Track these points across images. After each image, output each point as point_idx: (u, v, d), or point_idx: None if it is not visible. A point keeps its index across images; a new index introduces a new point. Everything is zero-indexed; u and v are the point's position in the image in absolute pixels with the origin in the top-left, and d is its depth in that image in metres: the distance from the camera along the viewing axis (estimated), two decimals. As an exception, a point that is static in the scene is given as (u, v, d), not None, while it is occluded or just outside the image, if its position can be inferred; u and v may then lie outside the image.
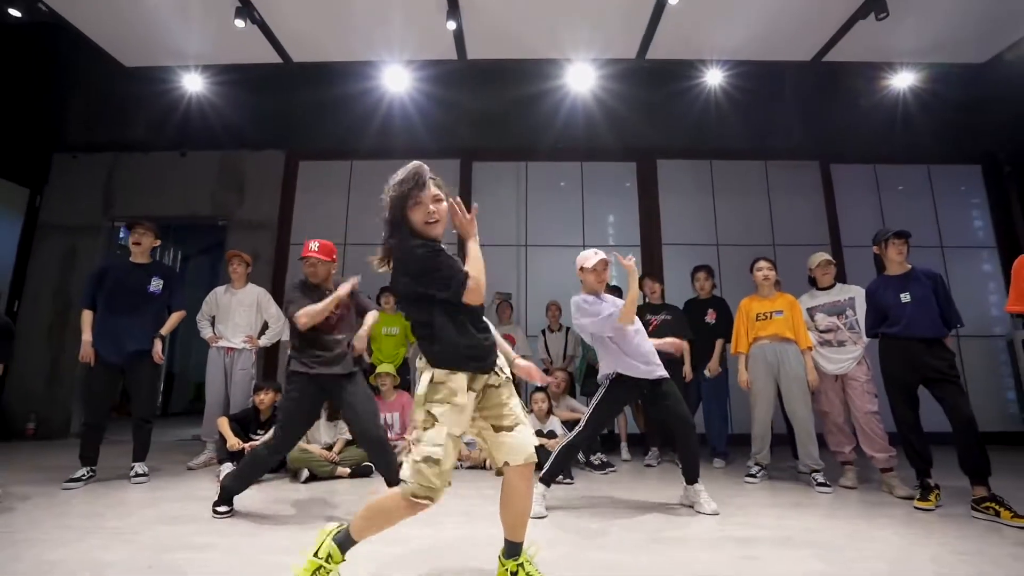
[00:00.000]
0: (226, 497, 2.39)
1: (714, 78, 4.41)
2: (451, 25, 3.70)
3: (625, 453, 4.13)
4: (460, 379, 1.43)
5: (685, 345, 3.66)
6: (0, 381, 2.57)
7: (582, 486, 3.11)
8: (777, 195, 5.53)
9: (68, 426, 4.99)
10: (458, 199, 1.53)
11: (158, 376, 3.34)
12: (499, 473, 1.53)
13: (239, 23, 3.58)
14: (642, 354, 2.58)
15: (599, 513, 2.52)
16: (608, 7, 3.71)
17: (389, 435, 3.75)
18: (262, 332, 3.95)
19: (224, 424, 3.33)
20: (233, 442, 3.21)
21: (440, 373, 1.43)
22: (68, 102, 5.17)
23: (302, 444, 3.33)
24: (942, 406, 2.60)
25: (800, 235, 5.31)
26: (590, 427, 2.62)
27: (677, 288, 4.57)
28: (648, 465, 3.80)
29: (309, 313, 2.44)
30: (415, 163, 1.53)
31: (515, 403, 1.52)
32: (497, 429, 1.49)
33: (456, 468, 3.64)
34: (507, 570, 1.53)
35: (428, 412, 1.42)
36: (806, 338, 3.21)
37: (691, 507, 2.56)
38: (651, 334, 2.96)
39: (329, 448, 3.39)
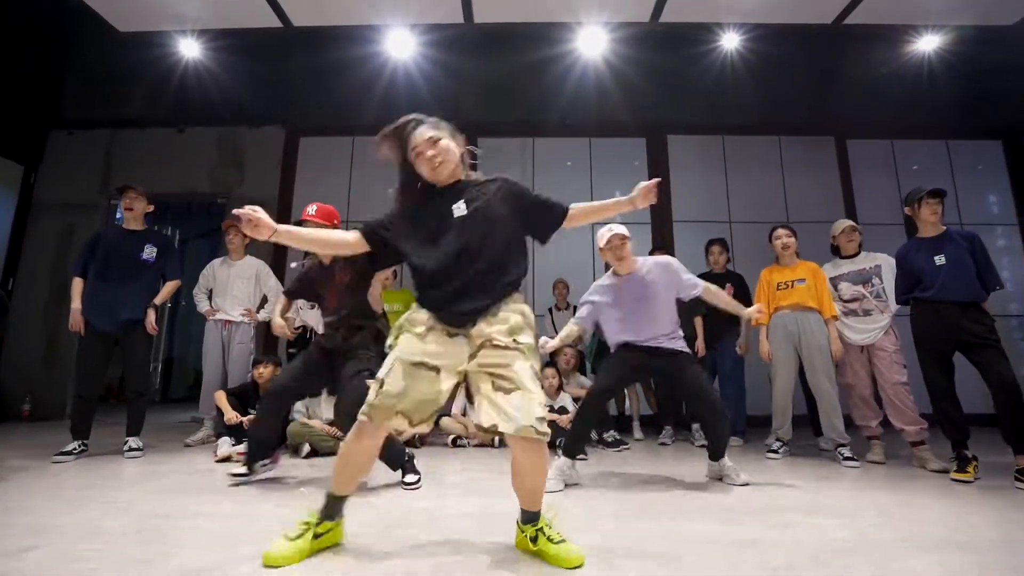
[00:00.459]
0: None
1: (730, 42, 4.23)
2: (457, -15, 3.54)
3: (638, 432, 4.00)
4: (423, 314, 1.47)
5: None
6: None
7: (595, 462, 2.99)
8: (791, 171, 5.37)
9: (64, 407, 4.87)
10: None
11: (151, 347, 3.20)
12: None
13: (236, -19, 3.43)
14: (638, 324, 2.45)
15: (621, 486, 2.38)
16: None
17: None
18: (261, 306, 3.81)
19: (222, 397, 3.20)
20: (231, 415, 3.08)
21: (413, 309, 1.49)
22: (63, 75, 5.03)
23: (303, 418, 3.22)
24: (981, 372, 2.45)
25: (815, 212, 5.15)
26: (595, 388, 2.50)
27: (688, 266, 4.43)
28: (663, 443, 3.66)
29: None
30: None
31: (523, 373, 1.35)
32: (495, 388, 1.35)
33: (463, 446, 3.56)
34: (526, 535, 1.43)
35: (391, 344, 1.47)
36: (830, 307, 3.06)
37: (719, 480, 2.41)
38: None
39: (331, 423, 3.26)
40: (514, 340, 1.38)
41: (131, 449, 2.95)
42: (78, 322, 2.96)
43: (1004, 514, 1.86)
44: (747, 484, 2.30)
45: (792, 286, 3.16)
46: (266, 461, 2.44)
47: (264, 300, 3.83)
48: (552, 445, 3.06)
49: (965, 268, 2.59)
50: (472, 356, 1.40)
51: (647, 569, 1.33)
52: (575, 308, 4.42)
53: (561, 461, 2.35)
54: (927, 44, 4.28)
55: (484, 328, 1.40)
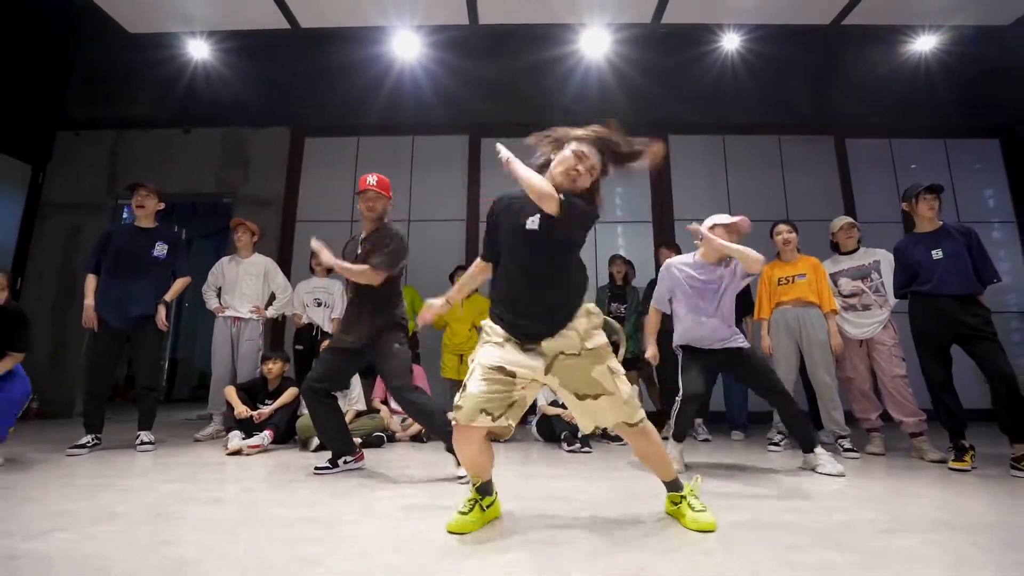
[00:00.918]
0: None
1: (731, 43, 4.30)
2: (462, -14, 3.61)
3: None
4: (495, 327, 1.58)
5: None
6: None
7: (599, 455, 3.04)
8: (791, 170, 5.43)
9: (72, 406, 4.92)
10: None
11: (162, 343, 3.25)
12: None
13: (246, -18, 3.50)
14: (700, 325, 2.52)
15: (623, 476, 2.43)
16: (623, -33, 3.61)
17: (399, 409, 3.67)
18: (269, 303, 3.87)
19: (232, 392, 3.25)
20: (241, 410, 3.13)
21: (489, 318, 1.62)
22: (71, 76, 5.09)
23: (312, 413, 3.26)
24: (978, 363, 2.50)
25: (814, 211, 5.20)
26: (687, 390, 2.52)
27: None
28: (664, 438, 3.70)
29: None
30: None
31: (603, 376, 1.51)
32: (580, 397, 1.53)
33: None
34: (672, 502, 1.63)
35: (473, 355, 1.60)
36: (830, 301, 3.11)
37: (812, 471, 2.41)
38: None
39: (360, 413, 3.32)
40: (584, 347, 1.50)
41: (143, 443, 3.00)
42: (91, 318, 3.01)
43: (1000, 499, 1.92)
44: (843, 475, 2.31)
45: (793, 281, 3.21)
46: (349, 458, 2.43)
47: (272, 297, 3.88)
48: (557, 439, 3.17)
49: (962, 262, 2.64)
50: (548, 369, 1.52)
51: (648, 543, 1.38)
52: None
53: (675, 444, 2.51)
54: (924, 44, 4.35)
55: (554, 344, 1.51)
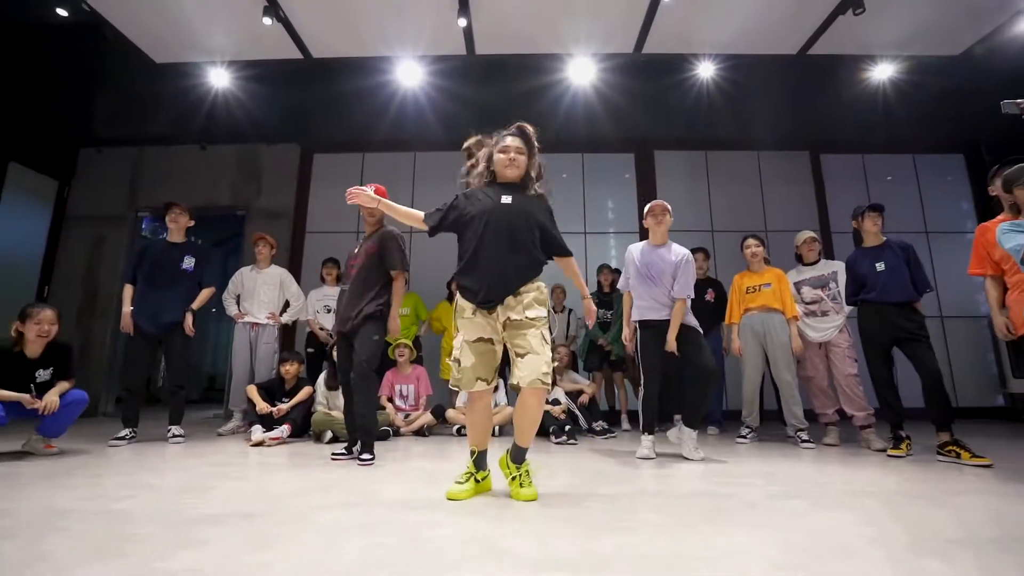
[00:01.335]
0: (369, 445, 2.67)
1: (706, 71, 4.68)
2: (462, 22, 3.98)
3: (625, 424, 4.38)
4: (463, 302, 1.92)
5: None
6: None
7: (585, 445, 3.38)
8: (769, 184, 5.78)
9: (97, 406, 5.24)
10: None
11: (189, 347, 3.59)
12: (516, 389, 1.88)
13: (266, 21, 3.87)
14: (651, 298, 2.87)
15: (607, 467, 2.77)
16: (607, 3, 3.98)
17: (403, 406, 4.02)
18: (283, 310, 4.21)
19: (253, 391, 3.59)
20: (262, 406, 3.47)
21: (458, 296, 1.95)
22: (97, 98, 5.45)
23: (324, 409, 3.60)
24: (913, 362, 2.86)
25: (791, 222, 5.53)
26: (647, 376, 2.86)
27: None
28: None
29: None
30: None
31: (533, 339, 1.81)
32: (516, 354, 1.84)
33: (466, 435, 3.92)
34: (509, 473, 1.91)
35: (456, 326, 1.96)
36: (792, 308, 3.47)
37: (677, 446, 2.79)
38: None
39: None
40: (526, 316, 1.82)
41: (174, 436, 3.34)
42: (128, 324, 3.36)
43: (921, 478, 2.26)
44: (703, 459, 2.68)
45: (759, 290, 3.57)
46: (367, 456, 2.63)
47: (287, 305, 4.23)
48: (545, 432, 3.51)
49: (901, 273, 3.00)
50: (504, 327, 1.85)
51: (644, 519, 1.73)
52: (570, 311, 4.88)
53: (647, 437, 2.83)
54: (882, 72, 4.73)
55: (504, 309, 1.84)
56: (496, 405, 3.89)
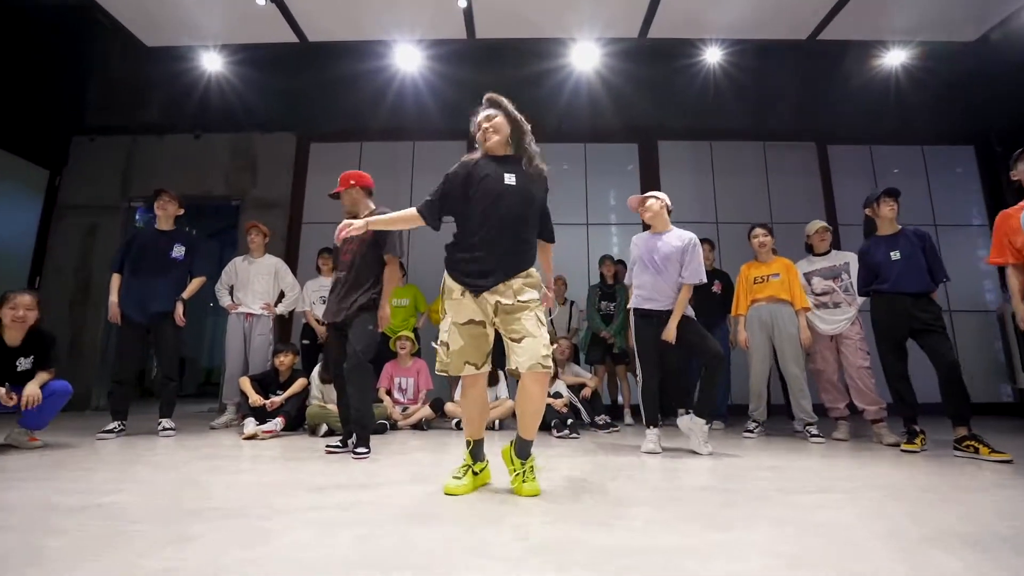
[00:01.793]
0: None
1: (713, 56, 4.56)
2: (462, 3, 3.86)
3: (628, 418, 4.29)
4: (452, 282, 1.82)
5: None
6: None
7: (588, 439, 3.28)
8: (775, 175, 5.67)
9: (88, 399, 5.15)
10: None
11: (180, 338, 3.49)
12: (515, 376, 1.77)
13: (260, 1, 3.75)
14: (652, 288, 2.77)
15: (610, 461, 2.68)
16: (611, -15, 3.86)
17: (402, 399, 3.92)
18: (278, 300, 4.11)
19: (246, 383, 3.49)
20: (255, 399, 3.37)
21: (447, 276, 1.84)
22: (89, 85, 5.33)
23: (320, 402, 3.50)
24: (928, 354, 2.75)
25: (797, 214, 5.43)
26: (645, 369, 2.76)
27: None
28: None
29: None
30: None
31: (528, 321, 1.70)
32: (512, 340, 1.73)
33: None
34: (513, 469, 1.78)
35: (444, 309, 1.86)
36: (802, 298, 3.37)
37: (686, 438, 2.69)
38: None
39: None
40: (518, 300, 1.72)
41: (164, 429, 3.24)
42: (115, 314, 3.26)
43: (937, 473, 2.16)
44: (711, 454, 2.58)
45: (767, 280, 3.47)
46: (362, 449, 2.53)
47: (281, 295, 4.12)
48: (547, 427, 3.41)
49: (917, 262, 2.89)
50: (495, 312, 1.75)
51: (642, 514, 1.63)
52: (572, 304, 4.78)
53: (652, 430, 2.73)
54: (894, 59, 4.60)
55: (493, 294, 1.74)
56: (496, 399, 3.80)
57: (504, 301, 1.73)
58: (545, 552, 1.16)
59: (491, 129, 1.85)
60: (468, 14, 4.12)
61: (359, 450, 2.47)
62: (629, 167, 5.71)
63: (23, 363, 2.71)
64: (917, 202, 5.54)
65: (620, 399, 4.51)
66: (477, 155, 1.90)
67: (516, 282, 1.76)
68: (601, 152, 5.70)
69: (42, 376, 2.72)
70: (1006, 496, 1.74)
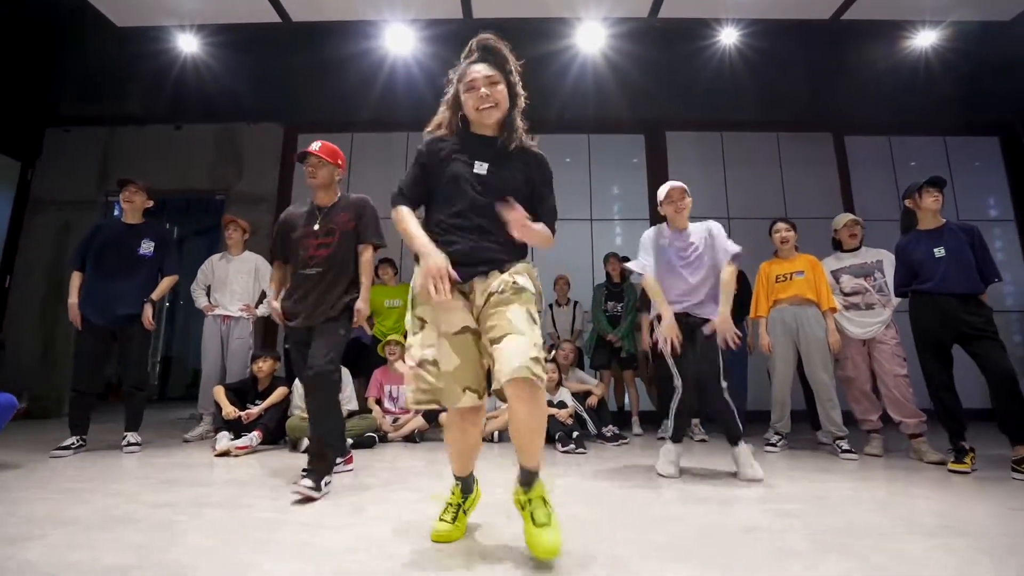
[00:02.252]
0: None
1: (728, 38, 4.24)
2: (456, -21, 3.55)
3: (636, 428, 4.00)
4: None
5: None
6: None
7: (594, 453, 2.99)
8: (789, 167, 5.38)
9: (62, 405, 4.84)
10: None
11: (149, 343, 3.18)
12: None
13: (234, -25, 3.44)
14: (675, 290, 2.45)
15: (620, 477, 2.38)
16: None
17: (392, 408, 3.62)
18: (260, 301, 3.80)
19: (220, 392, 3.19)
20: (229, 410, 3.08)
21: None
22: (60, 71, 5.01)
23: (302, 414, 3.20)
24: (978, 363, 2.45)
25: (813, 208, 5.15)
26: (683, 377, 2.43)
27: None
28: (660, 438, 3.65)
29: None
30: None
31: (513, 314, 1.27)
32: (491, 342, 1.27)
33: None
34: (520, 504, 1.33)
35: (416, 316, 1.36)
36: (829, 298, 3.07)
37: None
38: None
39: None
40: (513, 283, 1.32)
41: (129, 444, 2.94)
42: (76, 316, 2.96)
43: (1003, 503, 1.87)
44: (759, 479, 2.22)
45: (791, 279, 3.16)
46: (339, 459, 2.31)
47: (263, 295, 3.81)
48: (551, 440, 3.10)
49: (965, 260, 2.59)
50: (479, 314, 1.33)
51: (652, 555, 1.33)
52: (576, 304, 4.48)
53: (671, 446, 2.40)
54: (924, 40, 4.30)
55: (485, 283, 1.34)
56: (496, 407, 3.49)
57: (493, 289, 1.32)
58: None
59: (489, 98, 1.39)
60: (464, -9, 3.80)
61: (305, 483, 1.87)
62: (634, 160, 5.41)
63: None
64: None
65: (627, 406, 4.22)
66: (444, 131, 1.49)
67: (509, 268, 1.37)
68: (606, 143, 5.40)
69: None
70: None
